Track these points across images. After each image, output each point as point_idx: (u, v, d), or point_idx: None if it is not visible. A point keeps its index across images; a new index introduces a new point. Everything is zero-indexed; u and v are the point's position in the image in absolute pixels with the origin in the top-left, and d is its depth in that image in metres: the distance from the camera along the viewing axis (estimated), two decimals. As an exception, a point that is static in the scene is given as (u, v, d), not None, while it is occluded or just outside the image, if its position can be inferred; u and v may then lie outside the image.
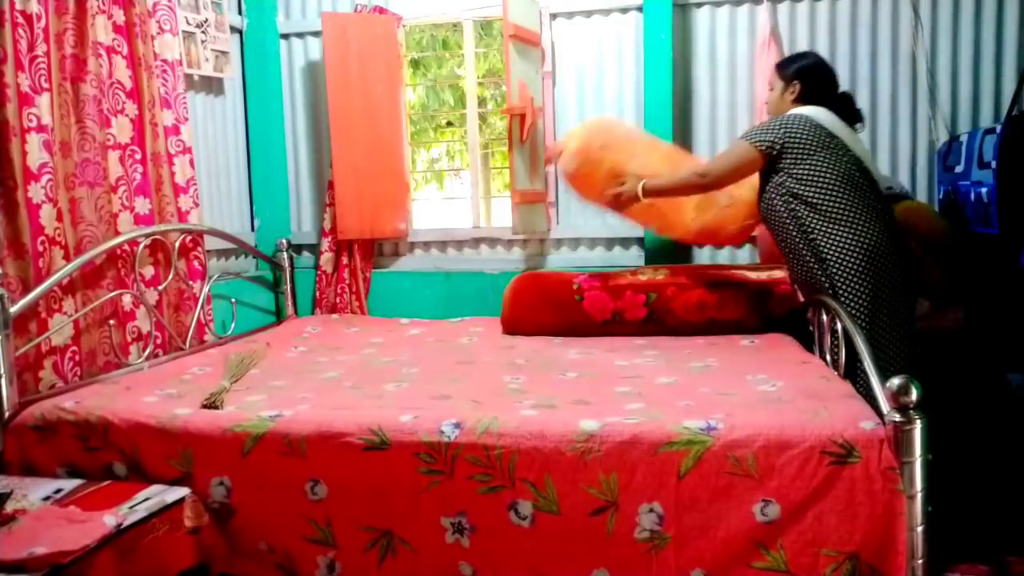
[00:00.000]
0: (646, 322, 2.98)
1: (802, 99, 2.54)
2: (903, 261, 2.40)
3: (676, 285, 2.98)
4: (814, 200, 2.39)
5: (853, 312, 2.29)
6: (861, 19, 3.40)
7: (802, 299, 2.68)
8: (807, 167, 2.40)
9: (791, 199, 2.43)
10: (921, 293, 2.71)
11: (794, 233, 2.45)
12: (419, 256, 3.93)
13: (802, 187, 2.41)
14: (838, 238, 2.35)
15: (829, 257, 2.36)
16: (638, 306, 2.97)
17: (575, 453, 1.82)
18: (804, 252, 2.44)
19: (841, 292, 2.34)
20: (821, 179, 2.39)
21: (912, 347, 2.41)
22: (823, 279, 2.39)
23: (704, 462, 1.76)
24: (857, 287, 2.32)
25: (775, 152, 2.44)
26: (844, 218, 2.35)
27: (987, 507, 2.49)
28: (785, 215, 2.46)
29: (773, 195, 2.50)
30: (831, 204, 2.37)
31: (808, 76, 2.55)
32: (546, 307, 3.08)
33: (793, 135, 2.42)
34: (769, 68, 3.28)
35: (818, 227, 2.38)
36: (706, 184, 2.61)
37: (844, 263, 2.33)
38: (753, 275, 3.01)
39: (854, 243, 2.33)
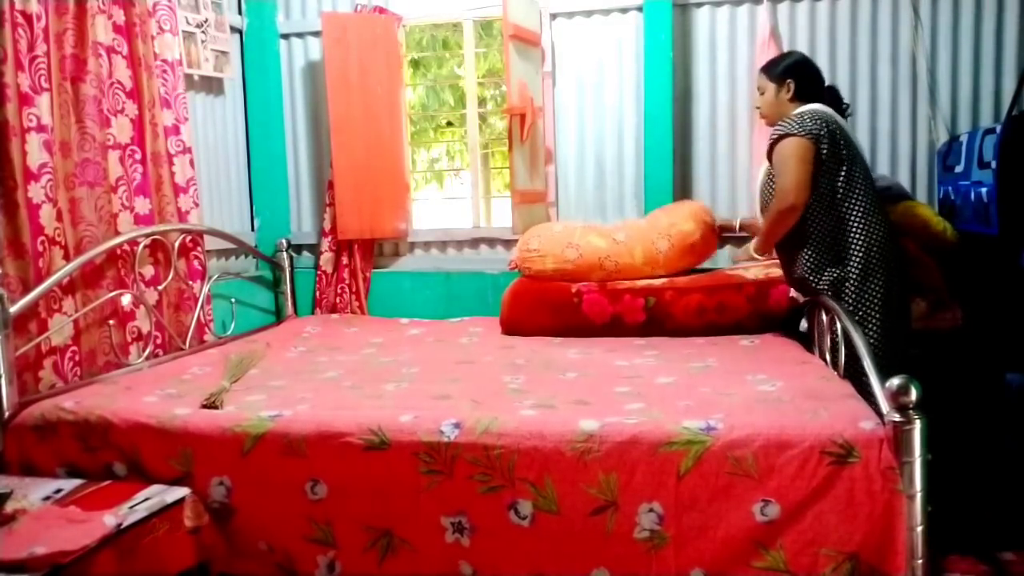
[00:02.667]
0: (645, 326, 2.97)
1: (797, 96, 2.54)
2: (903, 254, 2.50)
3: (674, 289, 2.97)
4: (845, 192, 2.39)
5: (870, 299, 2.35)
6: (861, 19, 3.40)
7: (801, 300, 2.68)
8: (837, 161, 2.40)
9: (824, 192, 2.41)
10: (918, 293, 2.72)
11: (817, 225, 2.42)
12: (419, 256, 3.93)
13: (832, 180, 2.40)
14: (868, 227, 2.37)
15: (859, 246, 2.37)
16: (637, 310, 2.97)
17: (575, 453, 1.82)
18: (820, 245, 2.43)
19: (856, 285, 2.37)
20: (850, 172, 2.40)
21: (909, 345, 2.42)
22: (838, 271, 2.40)
23: (704, 462, 1.76)
24: (879, 276, 2.36)
25: (820, 141, 2.38)
26: (870, 208, 2.39)
27: (986, 506, 2.49)
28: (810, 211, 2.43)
29: None
30: (859, 194, 2.39)
31: (798, 72, 2.55)
32: (545, 311, 3.07)
33: (828, 126, 2.39)
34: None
35: (850, 217, 2.39)
36: (791, 202, 2.39)
37: (871, 252, 2.36)
38: (751, 276, 3.01)
39: (879, 232, 2.38)
